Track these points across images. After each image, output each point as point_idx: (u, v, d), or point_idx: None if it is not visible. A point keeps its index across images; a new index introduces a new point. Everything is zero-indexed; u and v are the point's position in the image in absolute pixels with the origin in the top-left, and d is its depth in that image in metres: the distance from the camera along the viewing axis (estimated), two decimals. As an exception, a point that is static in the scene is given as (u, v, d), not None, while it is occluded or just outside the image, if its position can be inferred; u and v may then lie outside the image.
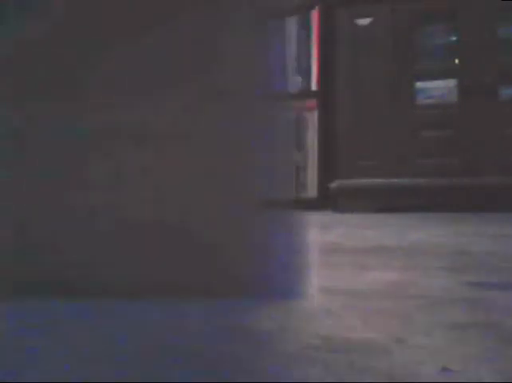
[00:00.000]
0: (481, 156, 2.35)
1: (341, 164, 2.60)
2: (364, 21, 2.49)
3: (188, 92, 0.52)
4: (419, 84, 2.43)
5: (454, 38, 2.38)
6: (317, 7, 2.57)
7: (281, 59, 0.59)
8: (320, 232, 1.32)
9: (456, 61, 2.36)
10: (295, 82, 2.68)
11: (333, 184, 2.64)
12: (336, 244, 1.02)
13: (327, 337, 0.35)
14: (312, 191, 2.83)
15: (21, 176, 0.53)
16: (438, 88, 2.39)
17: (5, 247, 0.52)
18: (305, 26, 2.62)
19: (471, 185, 2.34)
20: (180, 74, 0.53)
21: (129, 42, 0.52)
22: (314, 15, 2.61)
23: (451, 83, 2.37)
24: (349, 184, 2.58)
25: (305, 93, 2.78)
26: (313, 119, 2.82)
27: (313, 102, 2.81)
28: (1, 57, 0.52)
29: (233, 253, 0.50)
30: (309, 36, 2.65)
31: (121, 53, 0.53)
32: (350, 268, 0.68)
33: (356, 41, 2.54)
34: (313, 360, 0.30)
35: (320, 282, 0.57)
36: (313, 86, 2.81)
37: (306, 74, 2.78)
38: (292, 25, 2.57)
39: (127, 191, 0.52)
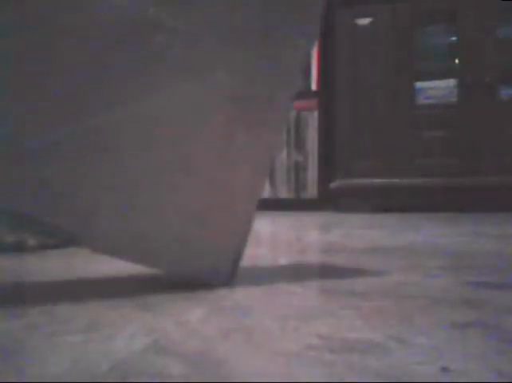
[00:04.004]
0: (481, 156, 2.35)
1: (341, 164, 2.60)
2: (364, 21, 2.49)
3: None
4: (419, 84, 2.43)
5: (454, 38, 2.38)
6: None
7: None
8: (320, 232, 1.32)
9: (456, 61, 2.36)
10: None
11: (333, 184, 2.64)
12: (336, 244, 1.02)
13: (327, 337, 0.35)
14: (312, 191, 2.83)
15: None
16: (438, 88, 2.39)
17: None
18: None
19: (471, 185, 2.34)
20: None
21: None
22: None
23: (451, 83, 2.37)
24: (349, 184, 2.58)
25: (305, 93, 2.78)
26: (313, 119, 2.82)
27: (313, 102, 2.81)
28: None
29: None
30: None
31: None
32: (350, 268, 0.68)
33: (356, 41, 2.54)
34: (313, 360, 0.30)
35: (320, 282, 0.57)
36: (313, 86, 2.81)
37: (306, 74, 2.78)
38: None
39: None
